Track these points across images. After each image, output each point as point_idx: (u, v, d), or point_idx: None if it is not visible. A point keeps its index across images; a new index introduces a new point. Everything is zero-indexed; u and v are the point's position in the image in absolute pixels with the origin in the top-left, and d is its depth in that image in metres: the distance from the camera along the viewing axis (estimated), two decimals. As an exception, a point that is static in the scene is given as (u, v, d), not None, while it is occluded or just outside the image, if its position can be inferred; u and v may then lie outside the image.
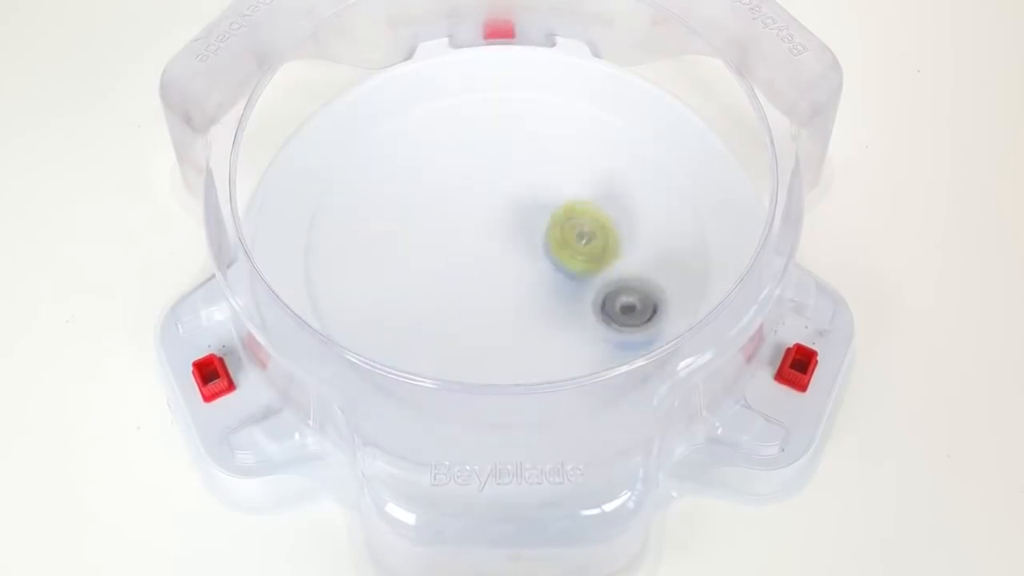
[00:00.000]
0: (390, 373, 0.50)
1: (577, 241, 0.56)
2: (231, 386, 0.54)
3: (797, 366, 0.54)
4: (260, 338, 0.52)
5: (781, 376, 0.54)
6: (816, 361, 0.54)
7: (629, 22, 0.62)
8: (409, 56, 0.62)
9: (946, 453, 0.55)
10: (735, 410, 0.53)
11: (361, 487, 0.50)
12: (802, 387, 0.54)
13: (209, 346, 0.55)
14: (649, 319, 0.55)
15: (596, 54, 0.62)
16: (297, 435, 0.53)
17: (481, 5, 0.62)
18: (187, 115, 0.57)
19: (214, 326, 0.55)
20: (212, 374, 0.54)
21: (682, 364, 0.51)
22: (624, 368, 0.50)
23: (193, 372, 0.54)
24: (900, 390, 0.56)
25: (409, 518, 0.50)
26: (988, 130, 0.64)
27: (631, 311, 0.55)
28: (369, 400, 0.51)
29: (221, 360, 0.54)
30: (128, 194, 0.61)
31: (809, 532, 0.54)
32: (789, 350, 0.55)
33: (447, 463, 0.50)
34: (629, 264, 0.56)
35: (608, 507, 0.50)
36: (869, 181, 0.62)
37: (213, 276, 0.55)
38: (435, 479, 0.50)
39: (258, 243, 0.56)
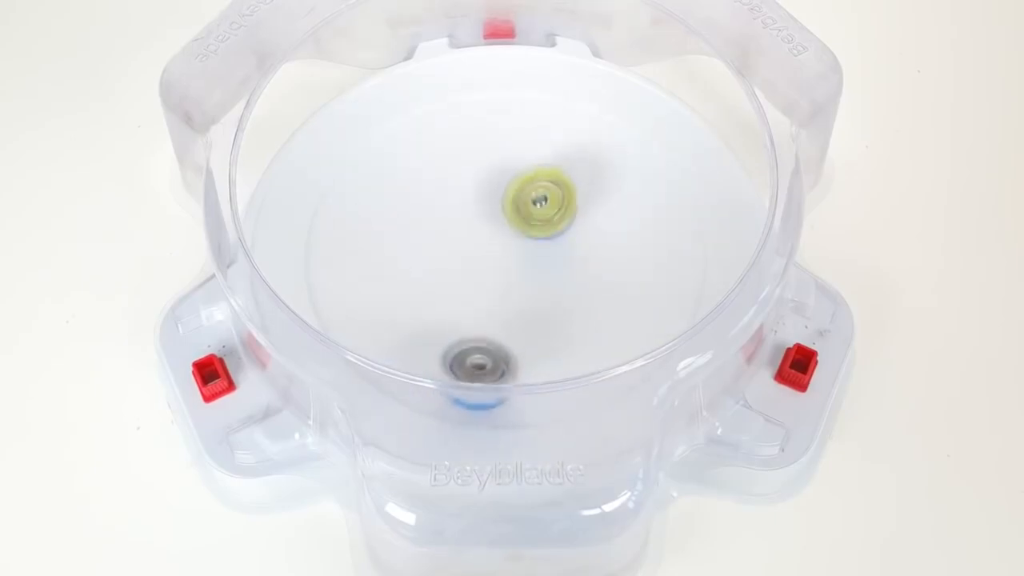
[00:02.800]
0: (390, 373, 0.50)
1: (533, 207, 0.56)
2: (231, 386, 0.54)
3: (797, 366, 0.54)
4: (260, 338, 0.52)
5: (781, 376, 0.54)
6: (816, 361, 0.54)
7: (629, 22, 0.62)
8: (409, 56, 0.62)
9: (946, 453, 0.55)
10: (735, 410, 0.53)
11: (361, 487, 0.50)
12: (802, 387, 0.54)
13: (209, 346, 0.55)
14: (500, 377, 0.53)
15: (596, 54, 0.62)
16: (297, 435, 0.53)
17: (481, 5, 0.62)
18: (187, 115, 0.57)
19: (214, 326, 0.55)
20: (212, 374, 0.54)
21: (682, 364, 0.51)
22: (624, 368, 0.50)
23: (193, 372, 0.54)
24: (900, 390, 0.56)
25: (409, 518, 0.50)
26: (988, 130, 0.64)
27: (481, 369, 0.54)
28: (369, 400, 0.51)
29: (221, 360, 0.54)
30: (128, 194, 0.61)
31: (809, 532, 0.54)
32: (789, 350, 0.55)
33: (447, 463, 0.50)
34: (629, 263, 0.57)
35: (608, 507, 0.50)
36: (869, 181, 0.62)
37: (213, 276, 0.55)
38: (435, 479, 0.50)
39: (258, 243, 0.56)
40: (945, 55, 0.66)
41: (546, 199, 0.56)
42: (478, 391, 0.51)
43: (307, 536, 0.53)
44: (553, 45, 0.63)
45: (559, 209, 0.56)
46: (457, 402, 0.51)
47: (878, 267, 0.59)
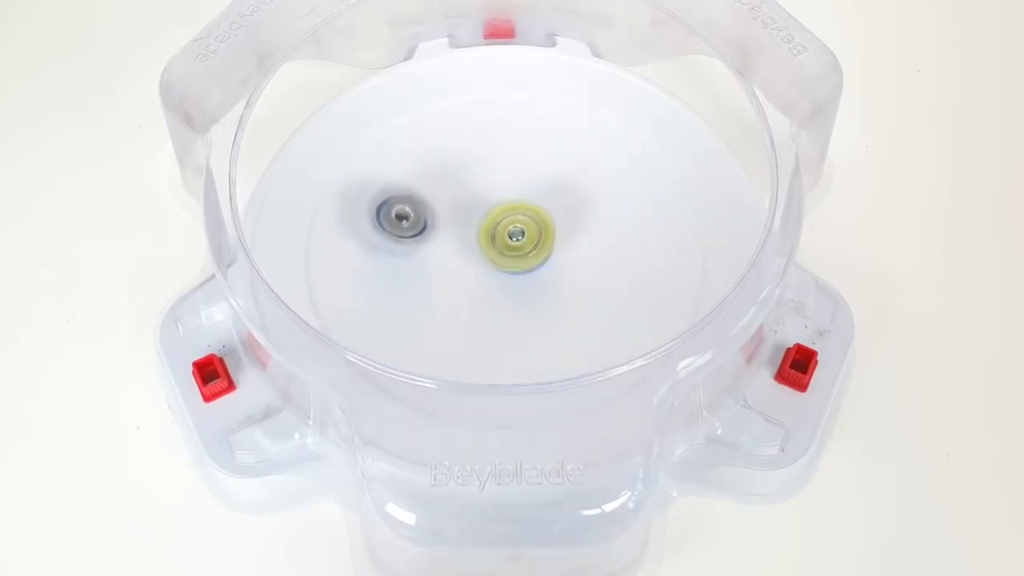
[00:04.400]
0: (390, 373, 0.50)
1: (510, 240, 0.56)
2: (231, 386, 0.54)
3: (797, 366, 0.54)
4: (260, 338, 0.52)
5: (781, 376, 0.54)
6: (816, 361, 0.54)
7: (629, 22, 0.62)
8: (409, 56, 0.62)
9: (946, 453, 0.55)
10: (735, 410, 0.53)
11: (361, 487, 0.50)
12: (802, 387, 0.54)
13: (209, 346, 0.55)
14: (421, 231, 0.56)
15: (596, 54, 0.62)
16: (297, 435, 0.53)
17: (481, 5, 0.62)
18: (187, 115, 0.57)
19: (214, 326, 0.55)
20: (212, 374, 0.54)
21: (682, 364, 0.51)
22: (624, 368, 0.50)
23: (193, 372, 0.54)
24: (900, 390, 0.56)
25: (409, 518, 0.50)
26: (988, 130, 0.64)
27: (405, 219, 0.56)
28: (369, 400, 0.51)
29: (221, 360, 0.54)
30: (128, 194, 0.61)
31: (809, 532, 0.54)
32: (789, 350, 0.55)
33: (447, 463, 0.50)
34: (629, 263, 0.57)
35: (608, 507, 0.50)
36: (869, 181, 0.62)
37: (213, 276, 0.55)
38: (435, 479, 0.50)
39: (258, 243, 0.56)
40: (945, 55, 0.66)
41: (523, 233, 0.56)
42: (478, 388, 0.51)
43: (307, 536, 0.53)
44: (553, 45, 0.63)
45: (535, 245, 0.56)
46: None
47: (878, 267, 0.59)
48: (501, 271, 0.56)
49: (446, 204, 0.58)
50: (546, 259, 0.56)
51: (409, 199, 0.56)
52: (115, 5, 0.67)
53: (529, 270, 0.56)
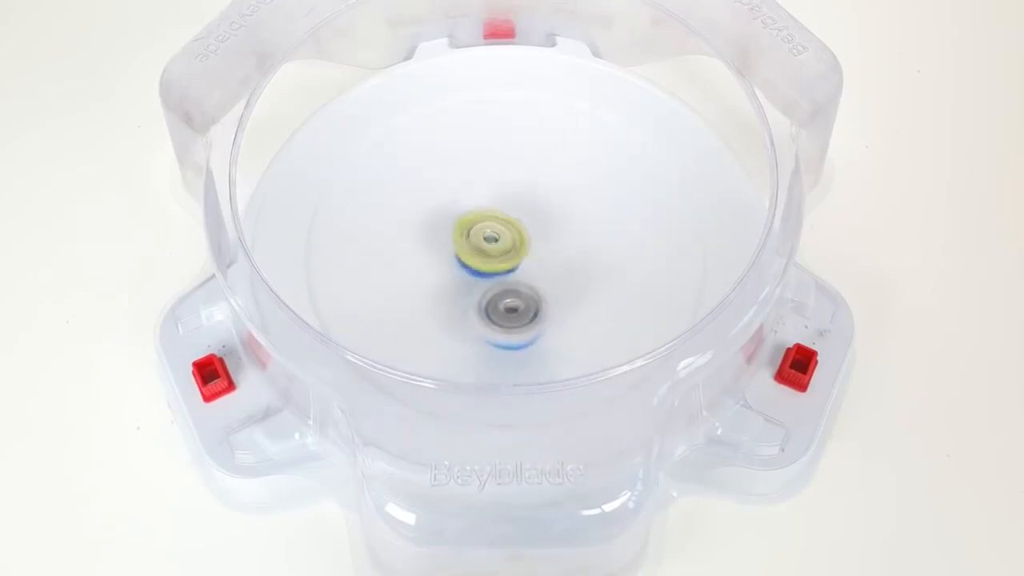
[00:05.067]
0: (390, 373, 0.50)
1: (487, 244, 0.55)
2: (231, 386, 0.54)
3: (797, 366, 0.54)
4: (260, 338, 0.52)
5: (781, 376, 0.54)
6: (816, 361, 0.54)
7: (629, 22, 0.62)
8: (409, 56, 0.63)
9: (946, 453, 0.55)
10: (735, 410, 0.53)
11: (361, 487, 0.50)
12: (802, 387, 0.54)
13: (209, 346, 0.55)
14: (532, 320, 0.54)
15: (596, 54, 0.63)
16: (297, 435, 0.53)
17: (481, 5, 0.62)
18: (187, 115, 0.57)
19: (214, 326, 0.55)
20: (212, 374, 0.54)
21: (682, 364, 0.51)
22: (624, 368, 0.50)
23: (193, 372, 0.54)
24: (900, 390, 0.56)
25: (409, 518, 0.50)
26: (988, 130, 0.64)
27: (514, 312, 0.54)
28: (369, 400, 0.51)
29: (221, 360, 0.54)
30: (128, 194, 0.61)
31: (809, 532, 0.54)
32: (789, 350, 0.55)
33: (447, 463, 0.50)
34: (629, 263, 0.57)
35: (608, 507, 0.50)
36: (869, 181, 0.62)
37: (213, 276, 0.55)
38: (435, 479, 0.50)
39: (258, 243, 0.56)
40: (945, 55, 0.66)
41: (497, 239, 0.56)
42: (478, 388, 0.51)
43: (307, 536, 0.53)
44: (553, 45, 0.63)
45: (510, 249, 0.56)
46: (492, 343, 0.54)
47: (878, 267, 0.59)
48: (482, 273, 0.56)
49: (445, 204, 0.58)
50: (519, 263, 0.56)
51: (516, 292, 0.54)
52: (115, 5, 0.67)
53: (503, 272, 0.56)
